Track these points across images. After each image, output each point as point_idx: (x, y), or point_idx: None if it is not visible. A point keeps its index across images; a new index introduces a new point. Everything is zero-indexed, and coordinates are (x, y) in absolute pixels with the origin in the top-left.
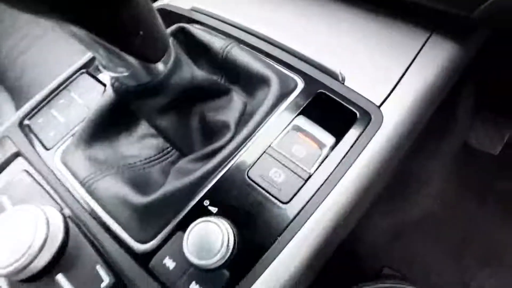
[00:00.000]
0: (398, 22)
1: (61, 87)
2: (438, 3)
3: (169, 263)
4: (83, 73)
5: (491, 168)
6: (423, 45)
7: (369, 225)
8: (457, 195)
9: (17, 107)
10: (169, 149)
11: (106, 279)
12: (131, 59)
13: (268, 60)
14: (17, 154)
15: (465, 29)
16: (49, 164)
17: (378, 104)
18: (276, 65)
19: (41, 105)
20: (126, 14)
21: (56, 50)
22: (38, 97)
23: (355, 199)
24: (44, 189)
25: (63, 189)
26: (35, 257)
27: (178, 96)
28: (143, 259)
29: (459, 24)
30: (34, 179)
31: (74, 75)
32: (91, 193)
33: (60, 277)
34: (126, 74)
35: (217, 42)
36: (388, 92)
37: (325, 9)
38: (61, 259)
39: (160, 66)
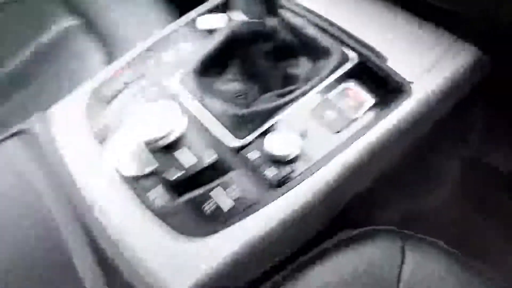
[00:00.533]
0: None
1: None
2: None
3: (255, 155)
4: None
5: (499, 184)
6: (453, 42)
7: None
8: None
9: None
10: (245, 93)
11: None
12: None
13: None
14: None
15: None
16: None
17: (410, 81)
18: (337, 43)
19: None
20: None
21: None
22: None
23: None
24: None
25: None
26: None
27: (279, 46)
28: (237, 150)
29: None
30: None
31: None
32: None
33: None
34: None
35: None
36: (419, 74)
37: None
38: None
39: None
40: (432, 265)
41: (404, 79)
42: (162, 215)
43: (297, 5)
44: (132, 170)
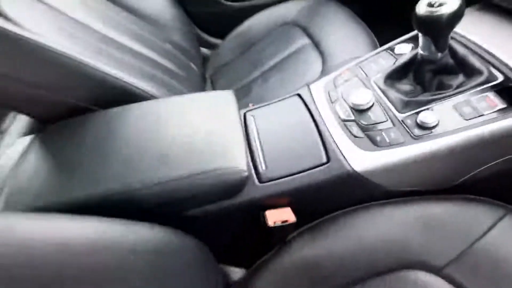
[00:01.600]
0: None
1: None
2: None
3: (409, 122)
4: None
5: None
6: None
7: None
8: None
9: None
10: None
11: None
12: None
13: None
14: None
15: None
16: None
17: None
18: (486, 63)
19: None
20: None
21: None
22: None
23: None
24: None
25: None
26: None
27: (439, 68)
28: (400, 120)
29: None
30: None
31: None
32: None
33: None
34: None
35: None
36: None
37: None
38: None
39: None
40: None
41: None
42: (354, 138)
43: (460, 35)
44: (344, 116)
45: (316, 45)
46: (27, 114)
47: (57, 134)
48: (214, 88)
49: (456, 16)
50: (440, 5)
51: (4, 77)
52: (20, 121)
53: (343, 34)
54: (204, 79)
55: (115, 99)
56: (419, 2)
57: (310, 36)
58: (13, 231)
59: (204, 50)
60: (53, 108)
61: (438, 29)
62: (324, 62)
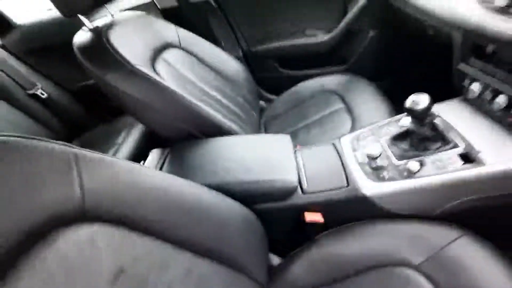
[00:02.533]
0: None
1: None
2: None
3: (403, 166)
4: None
5: None
6: None
7: None
8: None
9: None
10: (409, 150)
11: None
12: None
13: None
14: None
15: None
16: None
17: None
18: (454, 136)
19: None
20: None
21: None
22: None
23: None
24: None
25: None
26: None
27: (424, 137)
28: (397, 165)
29: None
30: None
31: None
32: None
33: None
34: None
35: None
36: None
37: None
38: None
39: (422, 128)
40: (471, 256)
41: (474, 149)
42: (365, 173)
43: (441, 118)
44: (361, 160)
45: (349, 110)
46: (159, 133)
47: (182, 149)
48: (266, 132)
49: (426, 109)
50: (417, 103)
51: (144, 104)
52: (132, 136)
53: (369, 104)
54: (259, 124)
55: (213, 131)
56: (408, 99)
57: (345, 102)
58: (171, 185)
59: (262, 102)
60: (175, 132)
61: (418, 115)
62: (353, 123)
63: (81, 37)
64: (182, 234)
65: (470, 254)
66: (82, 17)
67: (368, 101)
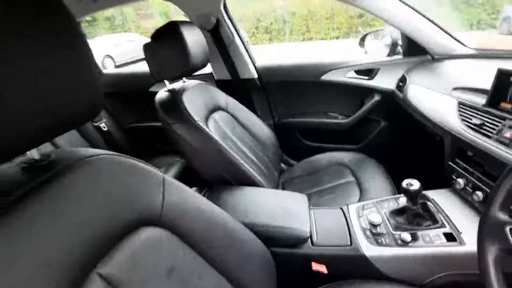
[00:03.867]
0: None
1: None
2: None
3: (398, 235)
4: None
5: None
6: None
7: None
8: None
9: None
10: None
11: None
12: None
13: (439, 215)
14: None
15: None
16: None
17: (460, 231)
18: (442, 217)
19: None
20: None
21: None
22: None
23: None
24: None
25: None
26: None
27: (416, 214)
28: (391, 233)
29: None
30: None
31: None
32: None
33: None
34: None
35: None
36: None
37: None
38: None
39: (415, 207)
40: None
41: (457, 230)
42: (367, 237)
43: (433, 200)
44: (364, 225)
45: (358, 183)
46: (201, 174)
47: (220, 190)
48: None
49: (417, 191)
50: (411, 185)
51: (197, 151)
52: (169, 174)
53: (376, 181)
54: (278, 183)
55: (243, 179)
56: (403, 182)
57: (355, 176)
58: (217, 213)
59: (283, 165)
60: (214, 175)
61: (411, 195)
62: (361, 195)
63: (162, 94)
64: (215, 253)
65: None
66: (166, 82)
67: (375, 179)
